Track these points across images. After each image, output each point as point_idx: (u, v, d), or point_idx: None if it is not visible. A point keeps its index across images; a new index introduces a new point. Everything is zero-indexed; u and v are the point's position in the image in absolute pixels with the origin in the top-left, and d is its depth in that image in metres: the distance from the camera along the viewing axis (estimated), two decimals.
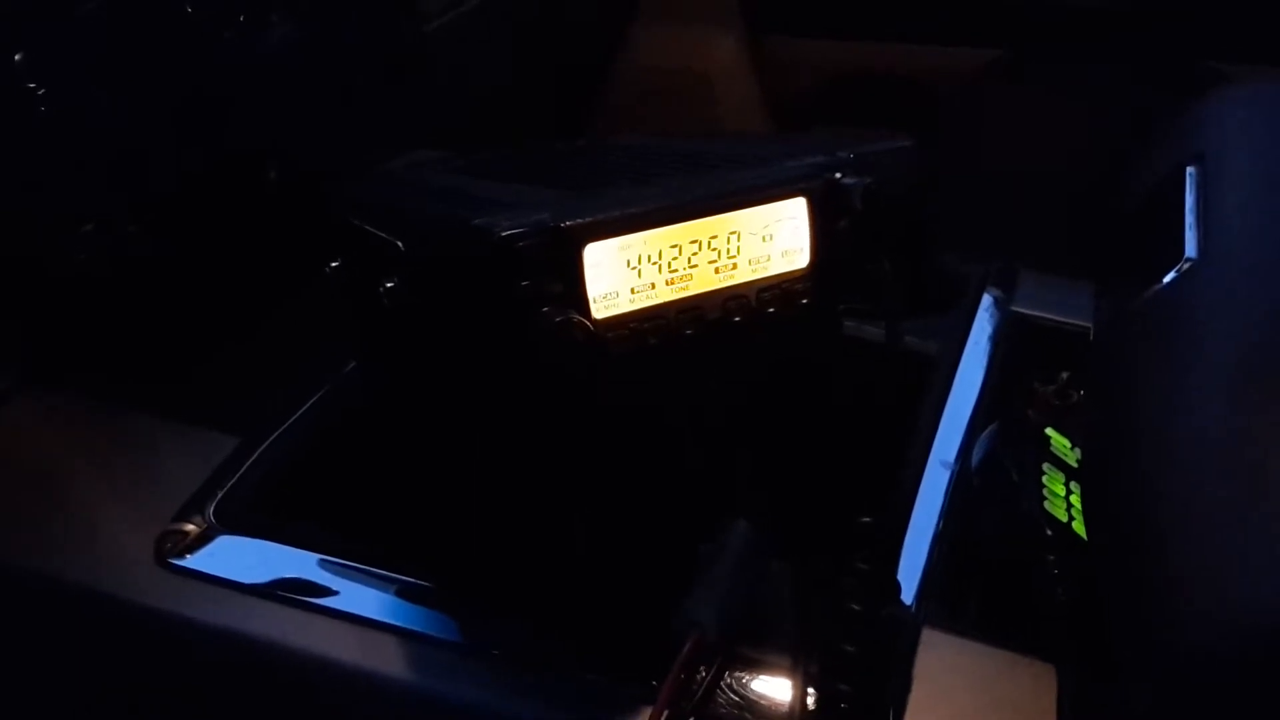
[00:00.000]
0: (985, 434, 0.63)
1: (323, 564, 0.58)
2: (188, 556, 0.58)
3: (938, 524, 0.58)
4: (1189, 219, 0.52)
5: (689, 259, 0.48)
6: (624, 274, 0.46)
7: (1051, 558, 0.54)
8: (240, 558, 0.58)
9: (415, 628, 0.55)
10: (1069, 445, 0.60)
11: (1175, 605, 0.40)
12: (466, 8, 1.05)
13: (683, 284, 0.48)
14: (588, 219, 0.45)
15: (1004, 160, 1.18)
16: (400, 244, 0.49)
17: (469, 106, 1.06)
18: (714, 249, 0.48)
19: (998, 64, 1.18)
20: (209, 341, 0.70)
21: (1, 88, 0.62)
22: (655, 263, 0.47)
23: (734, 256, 0.49)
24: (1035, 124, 1.19)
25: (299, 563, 0.58)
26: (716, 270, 0.48)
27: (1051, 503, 0.56)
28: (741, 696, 0.50)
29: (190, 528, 0.59)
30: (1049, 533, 0.55)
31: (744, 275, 0.49)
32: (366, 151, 0.75)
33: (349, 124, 0.83)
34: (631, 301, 0.47)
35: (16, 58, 0.62)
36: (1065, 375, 0.64)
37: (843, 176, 0.49)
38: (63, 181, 0.66)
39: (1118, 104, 1.11)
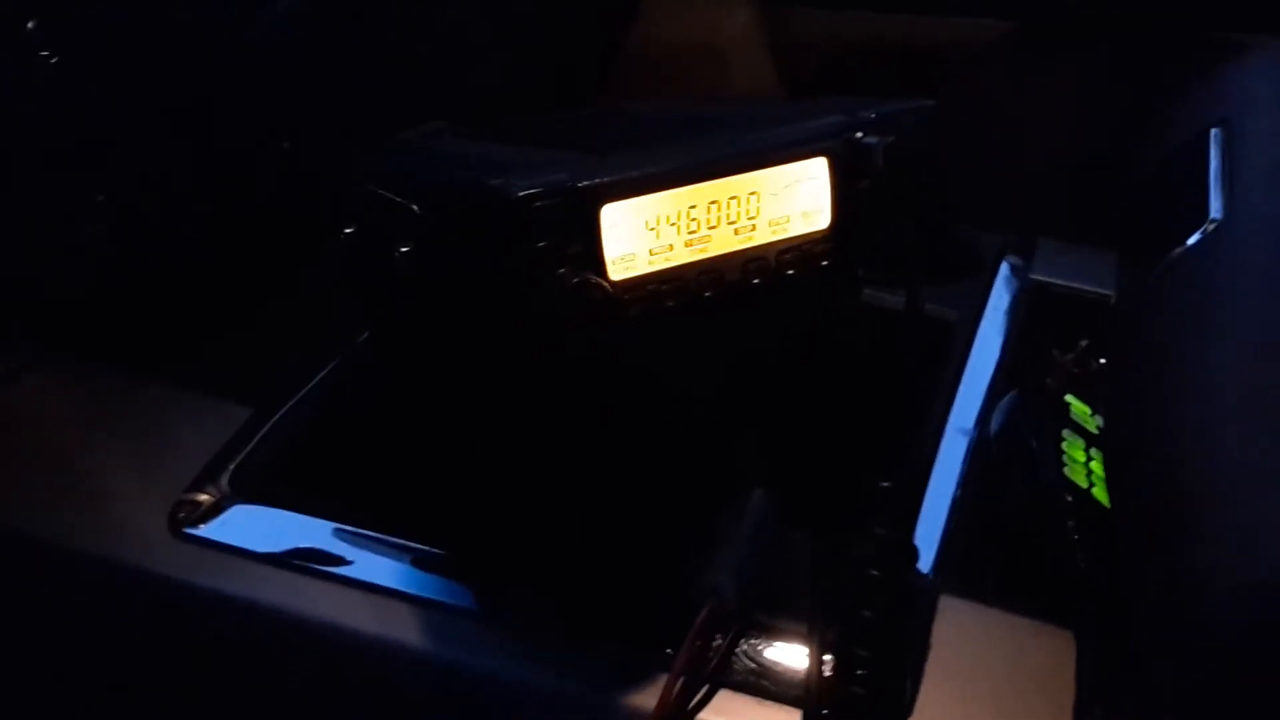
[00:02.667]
0: (1004, 401, 0.62)
1: (337, 533, 0.57)
2: (202, 526, 0.58)
3: (956, 491, 0.57)
4: (1213, 180, 0.51)
5: (708, 220, 0.47)
6: (642, 235, 0.46)
7: (1071, 524, 0.54)
8: (255, 526, 0.58)
9: (430, 596, 0.55)
10: (1089, 412, 0.60)
11: (1201, 569, 0.39)
12: None
13: (701, 245, 0.47)
14: (605, 179, 0.45)
15: (1017, 131, 1.16)
16: (415, 207, 0.49)
17: (477, 82, 1.05)
18: (733, 210, 0.47)
19: (1011, 34, 1.17)
20: (223, 314, 0.70)
21: (9, 67, 0.61)
22: (674, 224, 0.46)
23: (753, 218, 0.48)
24: (1049, 94, 1.17)
25: (314, 531, 0.58)
26: (736, 231, 0.48)
27: (1071, 469, 0.56)
28: (758, 663, 0.50)
29: (205, 497, 0.59)
30: (1069, 499, 0.54)
31: (763, 237, 0.48)
32: (376, 135, 0.74)
33: (351, 108, 0.82)
34: (649, 263, 0.46)
35: (30, 25, 0.62)
36: (1084, 343, 0.64)
37: (864, 136, 0.48)
38: (74, 160, 0.66)
39: (1131, 74, 1.10)
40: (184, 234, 0.71)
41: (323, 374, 0.66)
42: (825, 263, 0.49)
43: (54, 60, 0.62)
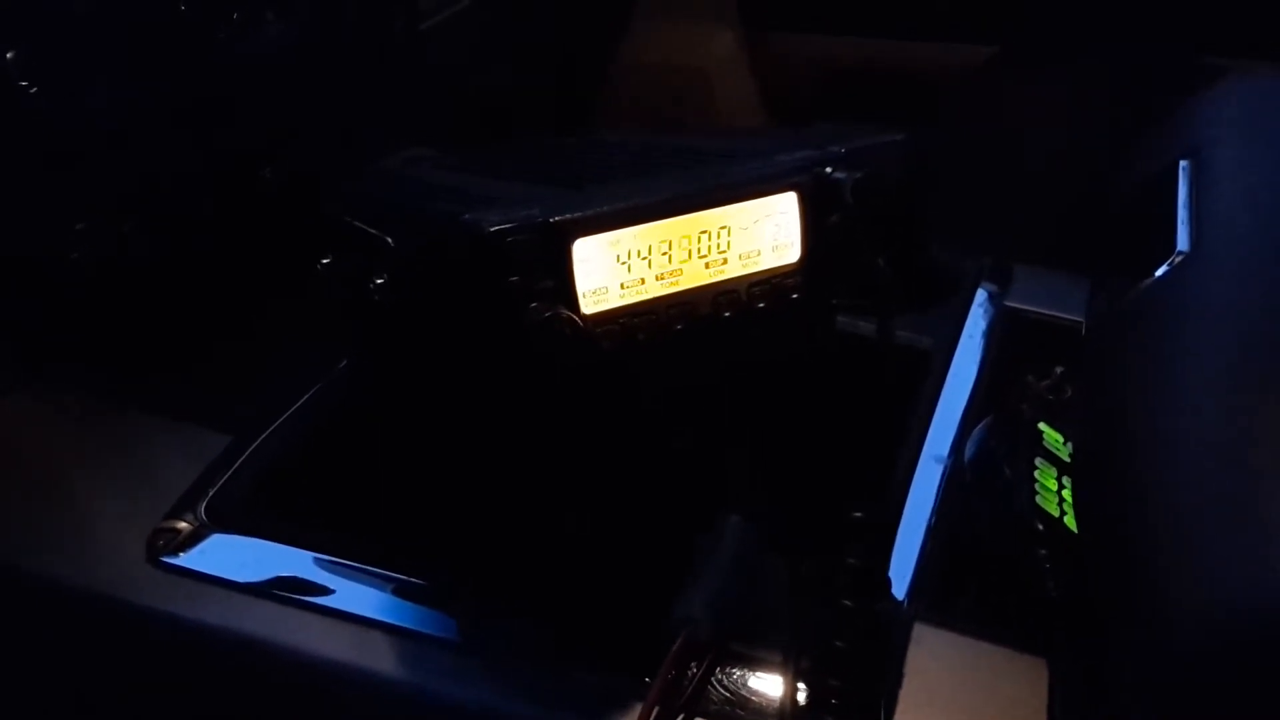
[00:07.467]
0: (978, 429, 0.63)
1: (316, 562, 0.57)
2: (180, 555, 0.58)
3: (930, 519, 0.58)
4: (1181, 213, 0.52)
5: (679, 254, 0.47)
6: (613, 269, 0.46)
7: (1043, 552, 0.54)
8: (232, 556, 0.58)
9: (408, 625, 0.55)
10: (1061, 440, 0.60)
11: (1166, 600, 0.40)
12: (462, 5, 1.04)
13: (673, 279, 0.48)
14: (577, 214, 0.45)
15: (1002, 156, 1.17)
16: (390, 240, 0.49)
17: (466, 104, 1.06)
18: (704, 244, 0.48)
19: (997, 60, 1.18)
20: (202, 339, 0.70)
21: None
22: (645, 258, 0.47)
23: (724, 251, 0.48)
24: (1033, 120, 1.18)
25: (292, 561, 0.58)
26: (707, 265, 0.48)
27: (1044, 497, 0.56)
28: (733, 692, 0.50)
29: (182, 525, 0.59)
30: (1041, 527, 0.55)
31: (734, 270, 0.49)
32: (363, 149, 0.75)
33: (345, 122, 0.83)
34: (621, 297, 0.47)
35: (9, 55, 0.62)
36: (1059, 370, 0.64)
37: (833, 171, 0.49)
38: (57, 180, 0.66)
39: (1116, 100, 1.11)
40: (180, 240, 0.71)
41: (301, 401, 0.66)
42: (796, 295, 0.50)
43: (33, 90, 0.62)
